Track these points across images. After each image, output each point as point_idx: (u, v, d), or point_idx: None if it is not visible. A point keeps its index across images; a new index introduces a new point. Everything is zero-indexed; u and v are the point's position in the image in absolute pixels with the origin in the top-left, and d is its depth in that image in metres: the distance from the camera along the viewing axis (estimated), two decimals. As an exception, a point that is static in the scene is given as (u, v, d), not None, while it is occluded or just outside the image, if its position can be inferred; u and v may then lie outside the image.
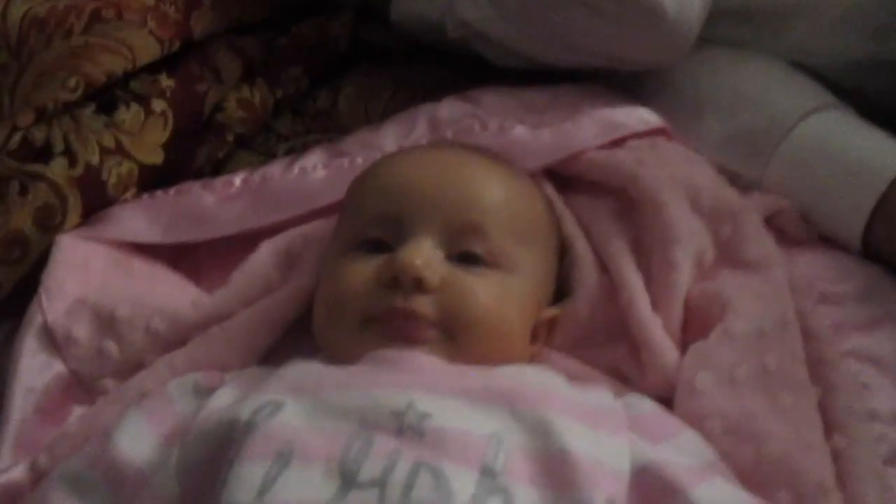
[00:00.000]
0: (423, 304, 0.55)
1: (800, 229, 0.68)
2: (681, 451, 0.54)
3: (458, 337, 0.56)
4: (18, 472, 0.58)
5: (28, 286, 0.66)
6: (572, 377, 0.58)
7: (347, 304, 0.57)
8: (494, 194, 0.60)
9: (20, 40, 0.68)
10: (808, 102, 0.70)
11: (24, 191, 0.65)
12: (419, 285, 0.55)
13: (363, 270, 0.57)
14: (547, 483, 0.50)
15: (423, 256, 0.56)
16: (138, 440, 0.54)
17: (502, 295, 0.57)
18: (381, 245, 0.58)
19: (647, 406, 0.56)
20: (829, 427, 0.57)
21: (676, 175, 0.66)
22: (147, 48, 0.70)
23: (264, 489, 0.49)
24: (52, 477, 0.56)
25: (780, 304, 0.60)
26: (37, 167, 0.66)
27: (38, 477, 0.57)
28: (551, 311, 0.62)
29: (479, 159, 0.63)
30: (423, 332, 0.55)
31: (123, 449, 0.54)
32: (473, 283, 0.57)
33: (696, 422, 0.55)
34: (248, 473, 0.49)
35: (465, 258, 0.58)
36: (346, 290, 0.57)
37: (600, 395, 0.56)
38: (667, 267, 0.62)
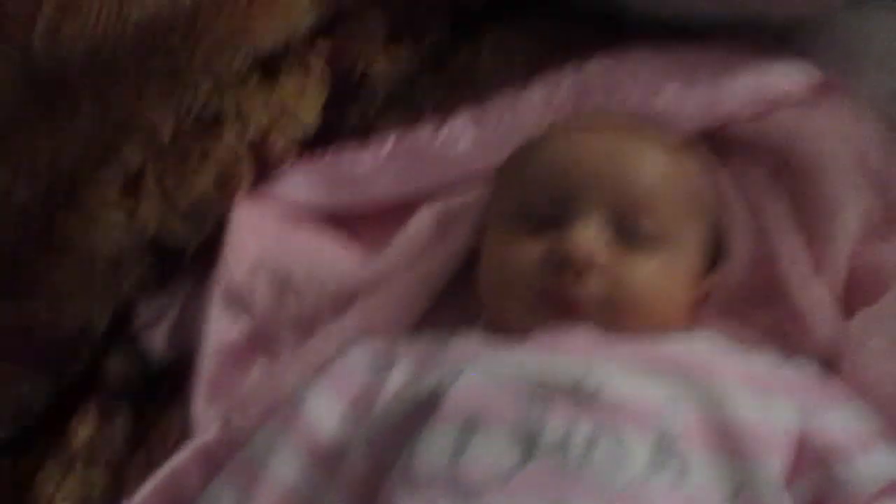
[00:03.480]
0: (591, 285, 0.57)
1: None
2: (847, 418, 0.55)
3: (620, 315, 0.57)
4: (212, 434, 0.62)
5: (203, 247, 0.70)
6: (734, 340, 0.59)
7: (516, 283, 0.58)
8: (661, 171, 0.60)
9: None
10: None
11: (204, 156, 0.68)
12: (588, 266, 0.57)
13: (531, 249, 0.58)
14: (721, 450, 0.52)
15: (593, 237, 0.57)
16: (330, 410, 0.57)
17: (668, 275, 0.58)
18: (545, 222, 0.59)
19: (813, 371, 0.58)
20: None
21: (840, 134, 0.65)
22: (306, 12, 0.72)
23: (457, 452, 0.51)
24: (248, 445, 0.58)
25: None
26: (214, 133, 0.69)
27: (231, 434, 0.61)
28: (709, 283, 0.63)
29: (640, 133, 0.63)
30: (587, 310, 0.57)
31: (316, 419, 0.57)
32: (640, 265, 0.58)
33: (866, 387, 0.56)
34: (441, 438, 0.52)
35: (633, 238, 0.58)
36: (515, 269, 0.58)
37: (767, 360, 0.58)
38: (830, 235, 0.62)
